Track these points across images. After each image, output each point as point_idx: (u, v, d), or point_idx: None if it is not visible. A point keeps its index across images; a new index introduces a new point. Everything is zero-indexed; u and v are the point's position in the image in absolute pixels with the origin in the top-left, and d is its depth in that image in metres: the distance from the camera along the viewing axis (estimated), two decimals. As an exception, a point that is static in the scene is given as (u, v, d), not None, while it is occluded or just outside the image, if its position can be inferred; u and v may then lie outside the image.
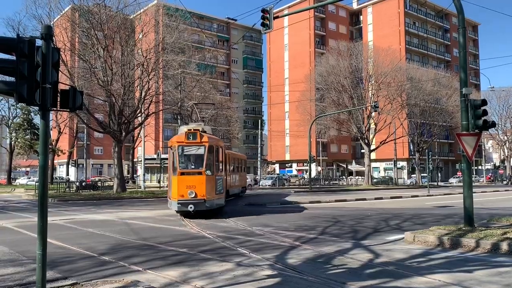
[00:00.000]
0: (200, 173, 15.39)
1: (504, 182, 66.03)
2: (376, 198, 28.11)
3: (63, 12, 32.89)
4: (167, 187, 40.23)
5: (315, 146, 68.47)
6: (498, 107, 67.82)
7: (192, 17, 54.43)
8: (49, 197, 26.34)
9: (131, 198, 28.88)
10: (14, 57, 5.44)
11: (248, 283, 6.59)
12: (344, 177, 68.04)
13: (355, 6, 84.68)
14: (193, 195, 15.00)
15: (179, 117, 42.65)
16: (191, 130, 15.92)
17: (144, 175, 40.43)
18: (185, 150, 15.83)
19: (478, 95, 61.42)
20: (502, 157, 75.89)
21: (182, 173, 15.34)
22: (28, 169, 73.48)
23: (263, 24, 16.22)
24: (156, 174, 55.93)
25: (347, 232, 12.18)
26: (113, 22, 31.62)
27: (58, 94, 5.75)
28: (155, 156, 58.43)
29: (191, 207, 14.85)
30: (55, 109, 5.83)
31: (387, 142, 50.63)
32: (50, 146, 46.62)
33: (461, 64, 11.79)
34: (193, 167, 15.87)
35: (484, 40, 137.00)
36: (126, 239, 11.02)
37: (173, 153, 15.87)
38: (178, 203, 15.07)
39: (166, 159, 51.33)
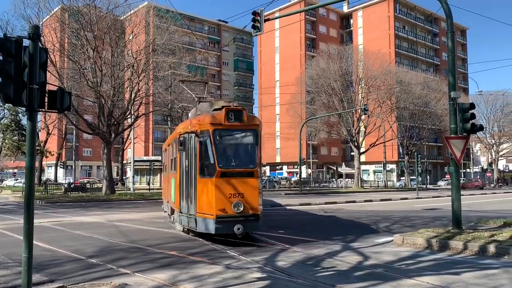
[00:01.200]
0: (251, 174, 10.23)
1: (492, 185, 66.79)
2: (365, 201, 28.25)
3: (53, 12, 32.60)
4: (158, 189, 39.93)
5: (306, 148, 68.63)
6: (486, 111, 68.56)
7: (183, 19, 54.32)
8: (37, 199, 26.05)
9: (120, 200, 28.65)
10: (0, 57, 5.38)
11: (237, 285, 6.58)
12: (334, 179, 68.30)
13: (345, 9, 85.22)
14: (240, 209, 9.86)
15: (169, 119, 42.50)
16: (230, 107, 10.56)
17: (133, 177, 40.15)
18: (224, 138, 10.43)
19: (467, 99, 62.05)
20: (489, 160, 76.73)
21: (224, 174, 9.99)
22: (15, 170, 72.55)
23: (254, 27, 16.22)
24: (145, 176, 55.56)
25: (336, 234, 12.20)
26: (103, 23, 31.42)
27: (46, 95, 5.70)
28: (145, 158, 58.12)
29: (238, 229, 9.65)
30: (42, 110, 5.78)
31: (376, 145, 50.99)
32: (38, 148, 46.14)
33: (450, 68, 11.91)
34: (233, 164, 10.38)
35: (472, 44, 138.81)
36: (114, 242, 10.92)
37: (199, 142, 10.35)
38: (218, 223, 9.79)
39: (158, 161, 51.12)
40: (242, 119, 10.41)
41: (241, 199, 9.93)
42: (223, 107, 10.51)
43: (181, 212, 11.39)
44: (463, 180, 58.28)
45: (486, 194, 39.69)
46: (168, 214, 15.44)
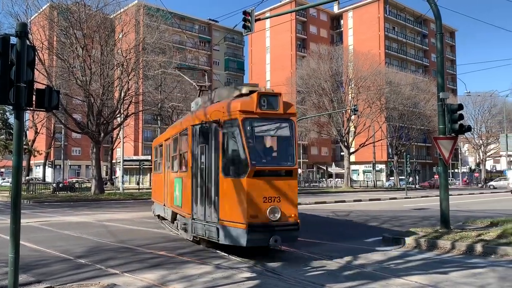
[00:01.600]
0: (290, 173, 8.50)
1: (479, 185, 67.54)
2: (355, 200, 28.39)
3: (41, 10, 32.27)
4: (148, 189, 39.59)
5: (296, 148, 68.79)
6: (474, 112, 69.39)
7: (173, 18, 54.11)
8: (25, 198, 25.76)
9: (109, 200, 28.45)
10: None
11: (226, 285, 6.57)
12: (324, 179, 68.59)
13: (336, 10, 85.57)
14: (277, 216, 8.10)
15: (159, 118, 42.31)
16: (262, 91, 8.72)
17: (122, 176, 39.90)
18: (257, 128, 8.59)
19: (455, 100, 62.74)
20: (477, 160, 77.60)
21: (258, 173, 8.13)
22: (2, 169, 71.60)
23: (244, 26, 16.23)
24: (135, 175, 55.24)
25: (326, 234, 12.25)
26: (93, 21, 31.18)
27: (34, 93, 5.64)
28: (135, 157, 57.75)
29: (276, 240, 7.93)
30: (30, 108, 5.73)
31: (366, 145, 51.35)
32: (26, 147, 45.65)
33: (439, 69, 12.02)
34: (267, 161, 8.71)
35: (460, 46, 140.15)
36: (103, 242, 10.84)
37: (223, 133, 8.54)
38: (251, 231, 7.92)
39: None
40: (277, 107, 8.52)
41: (278, 204, 8.14)
42: (251, 91, 8.64)
43: (193, 219, 9.44)
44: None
45: (474, 194, 40.08)
46: (160, 217, 14.76)
